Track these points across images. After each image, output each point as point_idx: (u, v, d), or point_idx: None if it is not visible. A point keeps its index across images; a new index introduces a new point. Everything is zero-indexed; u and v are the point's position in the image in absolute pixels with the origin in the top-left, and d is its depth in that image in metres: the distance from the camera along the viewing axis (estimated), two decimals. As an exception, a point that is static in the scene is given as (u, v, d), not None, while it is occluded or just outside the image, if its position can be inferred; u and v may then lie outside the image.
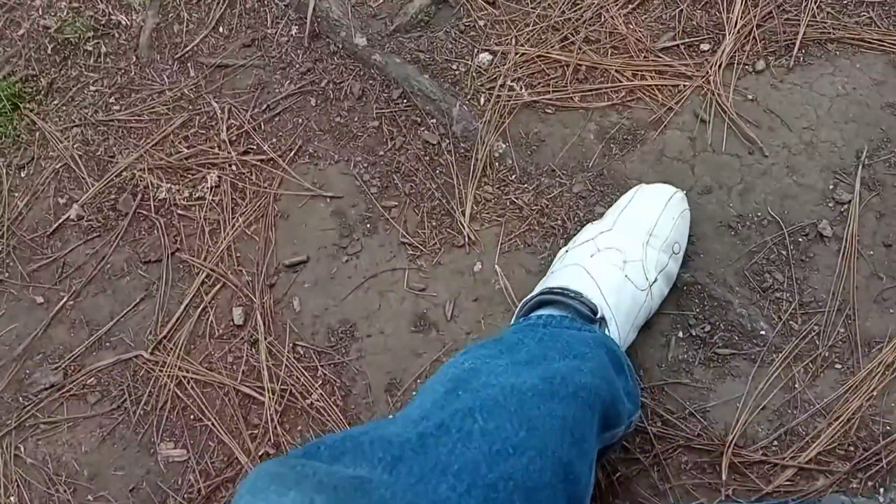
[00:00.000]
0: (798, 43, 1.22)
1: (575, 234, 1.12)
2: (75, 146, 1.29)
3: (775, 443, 1.02)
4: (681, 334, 1.09)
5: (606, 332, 0.94)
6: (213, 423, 1.11)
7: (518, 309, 1.00)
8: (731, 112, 1.19)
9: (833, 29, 1.22)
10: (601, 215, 1.15)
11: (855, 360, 1.05)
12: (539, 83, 1.24)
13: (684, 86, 1.22)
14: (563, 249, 1.09)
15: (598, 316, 0.94)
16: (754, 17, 1.24)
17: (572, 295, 0.95)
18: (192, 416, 1.12)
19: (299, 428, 1.10)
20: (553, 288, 0.97)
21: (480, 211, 1.19)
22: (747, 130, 1.18)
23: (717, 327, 1.08)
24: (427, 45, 1.29)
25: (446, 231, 1.18)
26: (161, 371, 1.14)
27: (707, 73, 1.22)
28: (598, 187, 1.19)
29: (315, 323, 1.15)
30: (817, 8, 1.24)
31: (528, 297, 1.00)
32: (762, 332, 1.07)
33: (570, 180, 1.19)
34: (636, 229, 1.05)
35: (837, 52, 1.21)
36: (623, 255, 1.02)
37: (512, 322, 1.01)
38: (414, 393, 1.10)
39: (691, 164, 1.18)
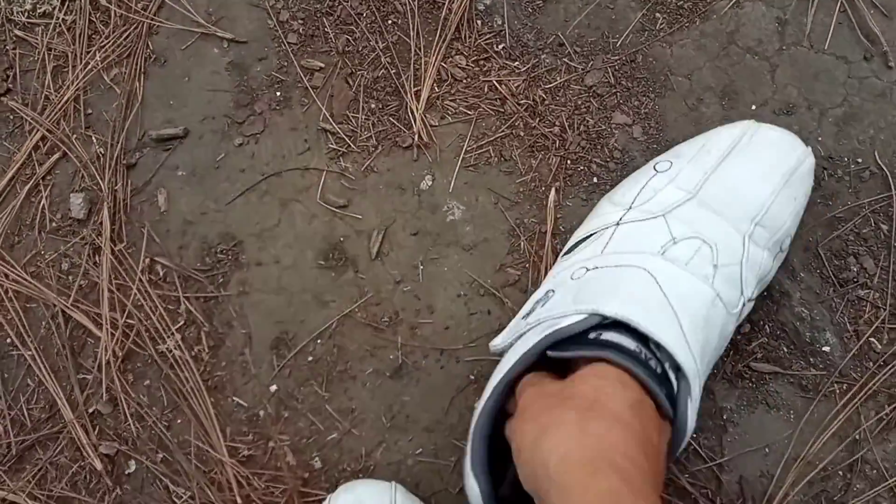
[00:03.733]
0: None
1: (622, 175, 0.74)
2: None
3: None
4: (705, 327, 0.73)
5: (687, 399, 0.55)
6: (34, 356, 0.79)
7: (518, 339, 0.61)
8: (854, -13, 0.76)
9: None
10: (622, 127, 0.76)
11: (955, 412, 0.71)
12: None
13: (789, -69, 0.77)
14: (615, 208, 0.68)
15: (676, 389, 0.55)
16: None
17: (638, 350, 0.55)
18: (7, 341, 0.81)
19: (146, 383, 0.78)
20: (606, 316, 0.56)
21: (444, 95, 0.79)
22: (870, 21, 0.75)
23: (759, 329, 0.73)
24: None
25: (389, 120, 0.79)
26: (-29, 269, 0.81)
27: (830, -87, 0.76)
28: (623, 81, 0.78)
29: (186, 233, 0.80)
30: None
31: (555, 317, 0.59)
32: (825, 349, 0.72)
33: (585, 64, 0.78)
34: (737, 208, 0.64)
35: None
36: (714, 254, 0.61)
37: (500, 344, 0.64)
38: (310, 359, 0.77)
39: (773, 64, 0.77)
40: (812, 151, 0.69)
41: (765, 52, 0.77)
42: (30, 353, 0.79)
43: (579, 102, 0.78)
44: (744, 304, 0.63)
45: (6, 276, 0.81)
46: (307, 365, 0.76)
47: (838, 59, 0.76)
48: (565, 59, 0.79)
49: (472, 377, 0.75)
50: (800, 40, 0.77)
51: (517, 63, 0.79)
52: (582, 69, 0.78)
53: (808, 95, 0.76)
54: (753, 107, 0.76)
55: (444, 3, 0.79)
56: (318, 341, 0.77)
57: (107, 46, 0.83)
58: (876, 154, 0.74)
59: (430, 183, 0.78)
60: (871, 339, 0.72)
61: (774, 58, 0.77)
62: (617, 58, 0.78)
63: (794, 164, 0.67)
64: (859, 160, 0.75)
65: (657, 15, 0.78)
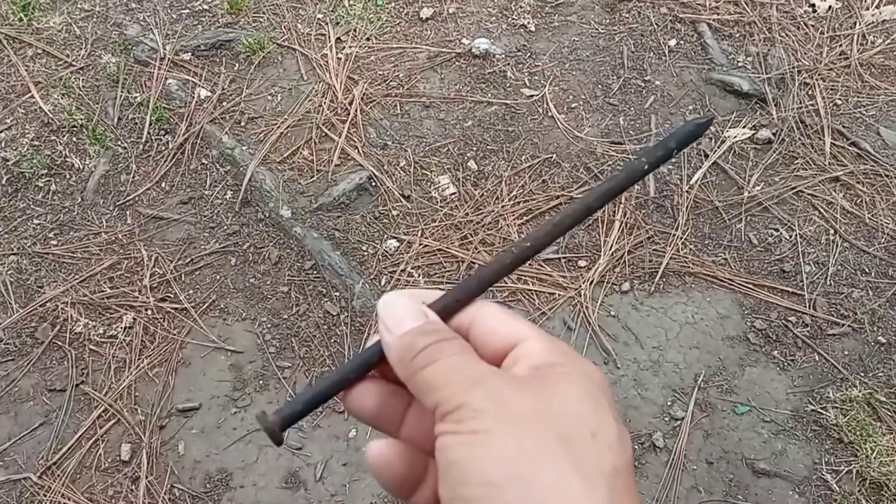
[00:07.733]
0: (661, 271, 1.40)
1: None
2: (9, 272, 1.41)
3: None
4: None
5: None
6: (82, 552, 1.19)
7: None
8: (594, 324, 1.36)
9: (692, 264, 1.41)
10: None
11: (669, 566, 1.18)
12: (436, 274, 1.40)
13: (559, 295, 1.39)
14: None
15: None
16: (627, 243, 1.43)
17: None
18: (64, 543, 1.20)
19: (162, 567, 1.18)
20: None
21: (363, 383, 1.32)
22: (605, 342, 1.34)
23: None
24: (344, 225, 1.45)
25: (329, 397, 1.30)
26: (46, 496, 1.23)
27: (580, 287, 1.39)
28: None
29: (195, 468, 1.25)
30: (682, 243, 1.44)
31: None
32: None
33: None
34: None
35: (693, 285, 1.40)
36: None
37: None
38: (273, 546, 1.19)
39: (554, 366, 1.33)
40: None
41: (549, 359, 1.34)
42: (80, 550, 1.19)
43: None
44: None
45: (70, 499, 1.22)
46: (272, 550, 1.19)
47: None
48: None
49: (379, 557, 1.18)
50: (568, 353, 1.34)
51: (407, 365, 1.33)
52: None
53: (575, 383, 1.31)
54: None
55: (365, 330, 1.35)
56: (280, 535, 1.20)
57: (152, 356, 1.34)
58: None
59: (354, 434, 1.27)
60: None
61: (555, 362, 1.33)
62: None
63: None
64: (606, 420, 1.28)
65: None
